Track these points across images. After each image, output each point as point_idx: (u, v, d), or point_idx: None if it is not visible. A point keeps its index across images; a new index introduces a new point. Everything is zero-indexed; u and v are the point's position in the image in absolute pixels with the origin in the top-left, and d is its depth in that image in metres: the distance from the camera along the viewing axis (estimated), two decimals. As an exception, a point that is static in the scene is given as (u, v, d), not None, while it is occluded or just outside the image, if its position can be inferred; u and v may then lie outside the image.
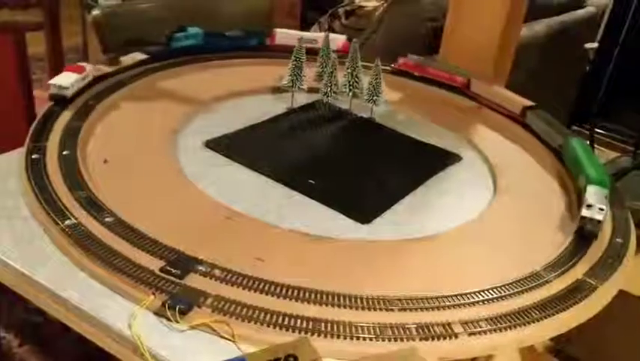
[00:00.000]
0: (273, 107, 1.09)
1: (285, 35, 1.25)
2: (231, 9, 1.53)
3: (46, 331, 1.04)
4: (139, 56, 1.18)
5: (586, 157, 0.93)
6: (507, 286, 0.67)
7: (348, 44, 1.24)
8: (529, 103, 1.14)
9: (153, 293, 0.59)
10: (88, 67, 0.99)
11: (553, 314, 0.64)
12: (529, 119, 1.10)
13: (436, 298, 0.64)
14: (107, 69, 1.07)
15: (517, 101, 1.14)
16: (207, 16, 1.48)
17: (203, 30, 1.21)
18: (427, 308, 0.62)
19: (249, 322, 0.57)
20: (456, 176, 0.96)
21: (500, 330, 0.61)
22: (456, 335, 0.59)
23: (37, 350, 1.02)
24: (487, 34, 1.30)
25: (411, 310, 0.62)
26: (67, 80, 0.93)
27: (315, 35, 1.27)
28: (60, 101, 0.92)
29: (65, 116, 0.89)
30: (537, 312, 0.64)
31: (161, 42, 1.19)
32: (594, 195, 0.85)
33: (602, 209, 0.81)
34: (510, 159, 1.02)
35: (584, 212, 0.81)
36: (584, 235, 0.79)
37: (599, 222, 0.80)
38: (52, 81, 0.93)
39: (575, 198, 0.89)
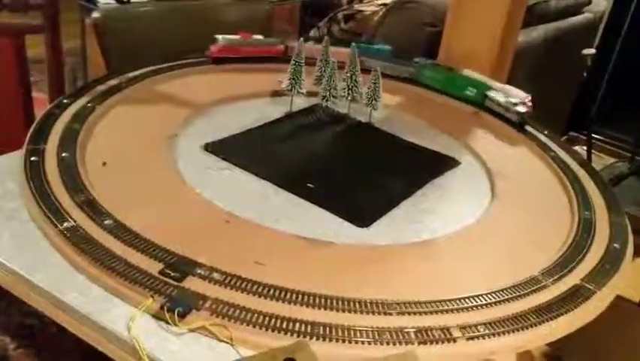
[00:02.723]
0: (271, 110, 1.09)
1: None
2: (231, 14, 1.53)
3: (42, 334, 1.04)
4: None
5: (458, 74, 1.01)
6: (505, 291, 0.67)
7: (529, 101, 1.11)
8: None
9: (152, 296, 0.59)
10: (254, 37, 1.25)
11: (551, 319, 0.64)
12: (367, 65, 1.14)
13: (435, 302, 0.64)
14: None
15: (342, 52, 1.15)
16: (207, 20, 1.48)
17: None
18: (425, 312, 0.62)
19: (247, 325, 0.57)
20: (454, 180, 0.96)
21: (498, 335, 0.61)
22: (454, 340, 0.60)
23: (32, 353, 1.02)
24: (485, 39, 1.30)
25: (409, 314, 0.62)
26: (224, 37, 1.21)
27: None
28: None
29: (64, 119, 0.90)
30: (535, 317, 0.64)
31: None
32: (501, 96, 1.07)
33: (518, 103, 1.07)
34: (508, 163, 1.02)
35: (521, 109, 1.06)
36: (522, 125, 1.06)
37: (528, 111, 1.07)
38: (217, 36, 1.21)
39: (575, 201, 0.89)
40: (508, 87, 1.11)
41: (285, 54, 1.23)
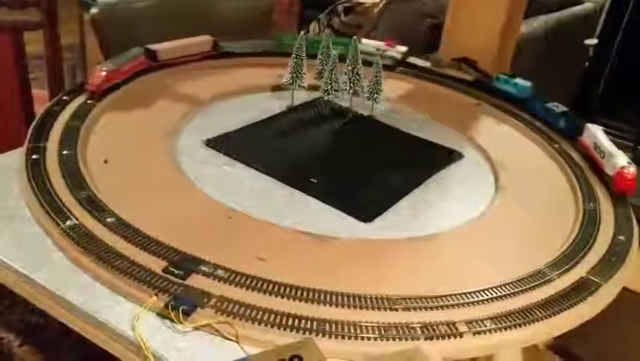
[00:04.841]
0: (273, 105, 1.09)
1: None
2: (231, 7, 1.52)
3: (47, 332, 1.03)
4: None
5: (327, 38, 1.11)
6: (511, 285, 0.67)
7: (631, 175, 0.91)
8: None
9: (156, 294, 0.59)
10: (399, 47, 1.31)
11: (557, 313, 0.64)
12: (227, 48, 1.19)
13: (440, 297, 0.63)
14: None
15: (206, 40, 1.16)
16: (206, 13, 1.47)
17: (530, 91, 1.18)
18: (431, 308, 0.62)
19: (252, 322, 0.57)
20: (457, 174, 0.96)
21: (505, 329, 0.61)
22: (461, 335, 0.59)
23: (37, 350, 1.02)
24: (486, 32, 1.29)
25: (415, 309, 0.62)
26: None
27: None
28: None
29: (64, 116, 0.89)
30: (541, 311, 0.64)
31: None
32: (370, 45, 1.24)
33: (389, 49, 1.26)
34: (511, 156, 1.02)
35: (395, 54, 1.26)
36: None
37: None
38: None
39: (580, 193, 0.88)
40: (616, 151, 0.97)
41: (156, 60, 1.10)
